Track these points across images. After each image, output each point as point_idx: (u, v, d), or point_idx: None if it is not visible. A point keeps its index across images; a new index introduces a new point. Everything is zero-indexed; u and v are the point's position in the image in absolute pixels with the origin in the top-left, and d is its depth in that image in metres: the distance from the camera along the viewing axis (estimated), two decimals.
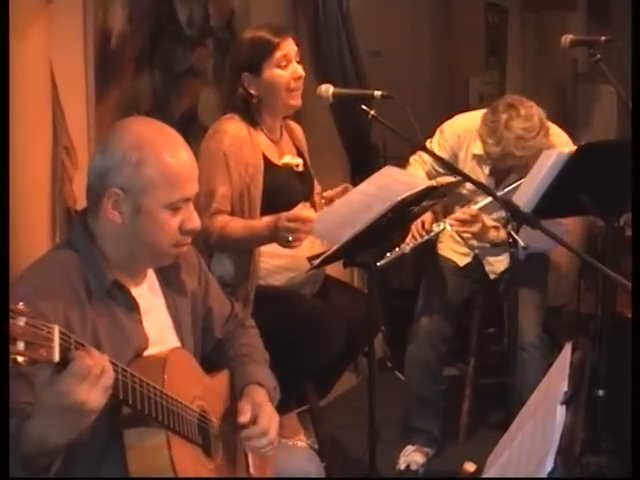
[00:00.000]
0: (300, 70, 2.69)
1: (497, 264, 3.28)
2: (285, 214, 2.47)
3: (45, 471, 1.45)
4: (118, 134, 1.72)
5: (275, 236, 2.52)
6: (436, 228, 2.99)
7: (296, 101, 2.73)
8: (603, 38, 2.95)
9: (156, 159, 1.67)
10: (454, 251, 3.36)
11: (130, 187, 1.66)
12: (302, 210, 2.59)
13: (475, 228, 2.98)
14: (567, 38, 3.05)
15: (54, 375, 1.36)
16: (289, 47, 2.67)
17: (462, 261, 3.32)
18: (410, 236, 2.99)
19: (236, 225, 2.60)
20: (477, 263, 3.32)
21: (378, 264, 2.70)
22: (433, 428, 3.27)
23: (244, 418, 1.81)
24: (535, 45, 6.07)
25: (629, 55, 2.71)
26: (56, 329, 1.33)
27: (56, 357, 1.33)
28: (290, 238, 2.47)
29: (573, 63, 6.27)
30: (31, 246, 2.35)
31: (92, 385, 1.38)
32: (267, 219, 2.56)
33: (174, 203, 1.69)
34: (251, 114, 2.70)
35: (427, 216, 2.99)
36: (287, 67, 2.66)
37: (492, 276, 3.31)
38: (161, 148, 1.68)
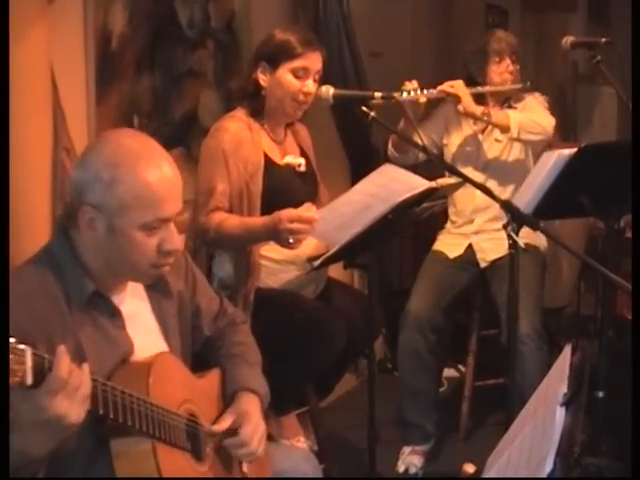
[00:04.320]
0: (312, 87, 2.67)
1: (489, 252, 3.33)
2: (286, 215, 2.46)
3: None
4: (95, 148, 1.66)
5: (273, 236, 2.51)
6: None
7: (295, 114, 2.74)
8: (603, 40, 2.96)
9: (130, 178, 1.60)
10: (446, 243, 3.43)
11: (103, 206, 1.61)
12: (305, 210, 2.59)
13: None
14: (567, 40, 3.05)
15: (31, 389, 1.34)
16: (313, 62, 2.67)
17: (452, 253, 3.37)
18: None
19: (232, 222, 2.59)
20: (468, 255, 3.36)
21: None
22: (426, 423, 3.25)
23: (218, 427, 1.80)
24: (535, 47, 6.07)
25: (629, 56, 2.71)
26: (28, 352, 1.31)
27: (29, 380, 1.31)
28: (291, 240, 2.46)
29: (573, 65, 6.27)
30: (31, 247, 2.34)
31: (70, 398, 1.37)
32: (265, 218, 2.55)
33: (149, 224, 1.63)
34: (257, 104, 2.70)
35: None
36: (302, 79, 2.66)
37: (482, 264, 3.34)
38: (136, 166, 1.61)
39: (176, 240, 1.69)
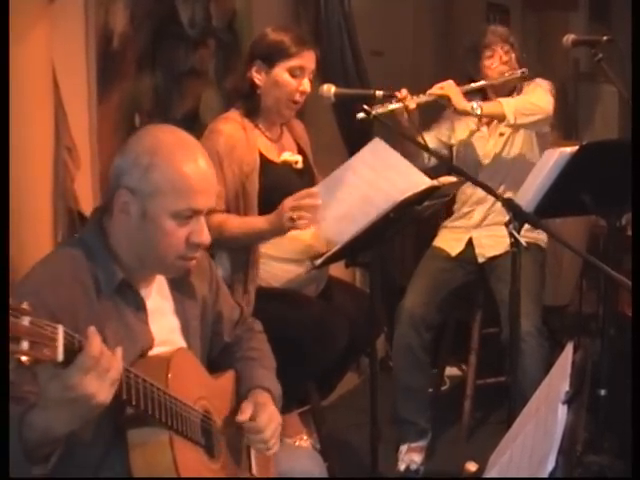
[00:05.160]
0: (308, 86, 2.67)
1: (488, 248, 3.31)
2: (288, 200, 2.47)
3: (46, 459, 1.45)
4: (138, 136, 1.72)
5: (277, 227, 2.51)
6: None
7: (291, 113, 2.74)
8: (605, 38, 2.95)
9: (166, 165, 1.65)
10: (447, 239, 3.41)
11: (138, 190, 1.65)
12: None
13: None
14: (569, 38, 3.05)
15: (59, 368, 1.35)
16: (308, 61, 2.67)
17: (454, 250, 3.35)
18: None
19: (233, 223, 2.59)
20: (469, 252, 3.35)
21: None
22: (419, 420, 3.24)
23: (242, 416, 1.82)
24: (536, 45, 6.07)
25: (630, 54, 2.71)
26: (60, 329, 1.32)
27: (60, 357, 1.32)
28: (295, 215, 2.44)
29: (575, 63, 6.27)
30: (33, 246, 2.35)
31: (100, 379, 1.38)
32: (268, 215, 2.55)
33: (180, 212, 1.67)
34: (252, 103, 2.69)
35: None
36: (298, 78, 2.66)
37: (480, 259, 3.33)
38: (174, 155, 1.67)
39: (205, 234, 1.72)
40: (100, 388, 1.38)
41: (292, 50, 2.63)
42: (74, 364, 1.35)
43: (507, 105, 3.12)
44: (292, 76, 2.65)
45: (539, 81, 3.33)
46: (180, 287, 1.86)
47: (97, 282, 1.66)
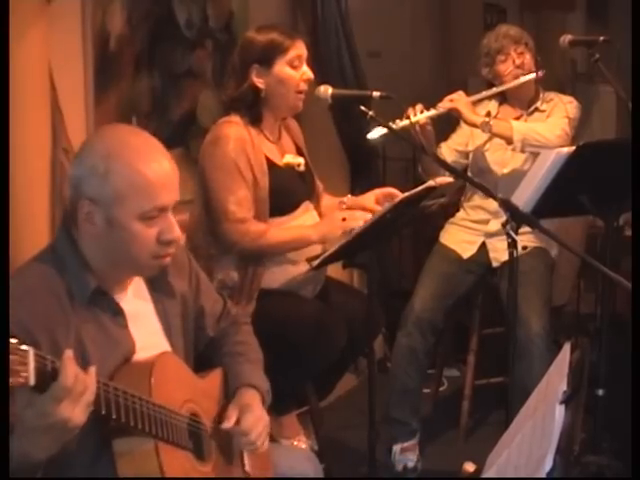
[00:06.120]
0: (310, 73, 2.68)
1: (502, 252, 3.23)
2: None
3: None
4: (90, 143, 1.69)
5: (325, 236, 2.60)
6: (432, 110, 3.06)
7: (300, 104, 2.74)
8: (602, 38, 2.95)
9: (124, 168, 1.61)
10: (460, 241, 3.35)
11: (100, 199, 1.61)
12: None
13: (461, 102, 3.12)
14: (566, 38, 3.06)
15: (35, 395, 1.35)
16: (301, 49, 2.68)
17: (466, 253, 3.31)
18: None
19: (275, 233, 2.61)
20: (481, 255, 3.31)
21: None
22: (412, 420, 3.23)
23: (227, 424, 1.80)
24: (534, 45, 6.07)
25: (628, 55, 2.71)
26: (31, 353, 1.31)
27: (32, 381, 1.32)
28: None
29: (572, 63, 6.27)
30: (30, 248, 2.34)
31: (75, 402, 1.38)
32: (312, 224, 2.64)
33: (146, 213, 1.63)
34: (255, 110, 2.69)
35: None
36: (298, 68, 2.67)
37: (495, 263, 3.29)
38: (130, 157, 1.62)
39: (176, 229, 1.68)
40: (75, 412, 1.38)
41: (286, 43, 2.64)
42: (48, 393, 1.35)
43: (517, 132, 3.09)
44: (292, 68, 2.66)
45: (565, 100, 3.29)
46: (158, 287, 1.83)
47: (70, 292, 1.63)
